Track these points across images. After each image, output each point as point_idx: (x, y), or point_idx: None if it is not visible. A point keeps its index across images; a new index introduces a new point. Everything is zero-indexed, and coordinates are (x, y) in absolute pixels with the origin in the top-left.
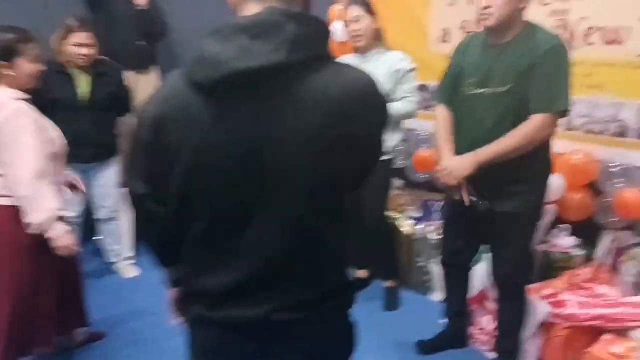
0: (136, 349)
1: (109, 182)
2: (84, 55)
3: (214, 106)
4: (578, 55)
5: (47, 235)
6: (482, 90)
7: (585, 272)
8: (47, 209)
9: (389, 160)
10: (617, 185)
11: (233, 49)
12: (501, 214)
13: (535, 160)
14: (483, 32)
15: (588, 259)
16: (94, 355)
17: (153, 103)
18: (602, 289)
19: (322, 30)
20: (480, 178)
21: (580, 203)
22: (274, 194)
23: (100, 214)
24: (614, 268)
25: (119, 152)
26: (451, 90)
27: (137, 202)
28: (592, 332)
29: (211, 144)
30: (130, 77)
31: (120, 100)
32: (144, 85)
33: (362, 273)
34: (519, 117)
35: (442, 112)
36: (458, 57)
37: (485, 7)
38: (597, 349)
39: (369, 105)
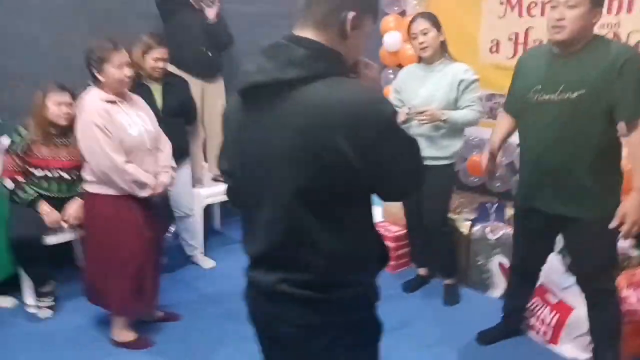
0: (209, 329)
1: (183, 183)
2: (160, 68)
3: (243, 109)
4: None
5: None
6: (549, 96)
7: None
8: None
9: (451, 164)
10: None
11: (255, 67)
12: (582, 220)
13: (613, 167)
14: (548, 43)
15: None
16: (172, 331)
17: (227, 104)
18: None
19: (324, 53)
20: (557, 185)
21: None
22: (272, 187)
23: (177, 212)
24: None
25: (189, 156)
26: (516, 100)
27: (225, 177)
28: None
29: (237, 138)
30: (198, 85)
31: (187, 110)
32: (211, 92)
33: (422, 271)
34: (589, 123)
35: (502, 118)
36: (522, 68)
37: (559, 20)
38: None
39: (352, 117)
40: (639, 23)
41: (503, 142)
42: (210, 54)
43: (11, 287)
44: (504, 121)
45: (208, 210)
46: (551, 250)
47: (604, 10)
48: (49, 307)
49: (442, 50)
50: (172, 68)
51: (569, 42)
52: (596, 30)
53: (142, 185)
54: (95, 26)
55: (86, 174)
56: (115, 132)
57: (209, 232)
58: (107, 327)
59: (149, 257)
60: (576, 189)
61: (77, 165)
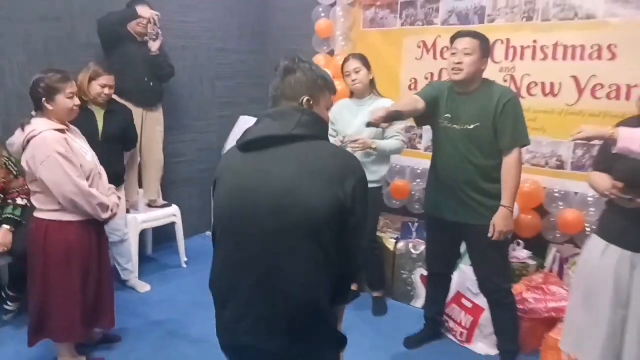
0: (151, 349)
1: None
2: (106, 94)
3: (242, 156)
4: (524, 103)
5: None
6: (454, 126)
7: (538, 277)
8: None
9: (379, 187)
10: (559, 207)
11: (259, 125)
12: (480, 227)
13: (498, 184)
14: (448, 82)
15: (540, 266)
16: (116, 352)
17: (224, 155)
18: (553, 288)
19: (319, 121)
20: (457, 198)
21: (531, 222)
22: (270, 223)
23: (112, 237)
24: (560, 273)
25: (124, 182)
26: (428, 94)
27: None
28: (549, 322)
29: (232, 183)
30: (139, 112)
31: (128, 136)
32: (151, 119)
33: (353, 286)
34: (482, 148)
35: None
36: (435, 87)
37: (457, 63)
38: (553, 333)
39: (336, 176)
40: (530, 68)
41: (405, 111)
42: (151, 84)
43: None
44: (413, 98)
45: (141, 235)
46: (458, 255)
47: (502, 56)
48: None
49: (371, 87)
50: (114, 96)
51: (465, 81)
52: (496, 72)
53: (105, 207)
54: (35, 57)
55: (39, 202)
56: (75, 158)
57: (142, 257)
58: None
59: (106, 277)
60: (471, 200)
61: (1, 189)
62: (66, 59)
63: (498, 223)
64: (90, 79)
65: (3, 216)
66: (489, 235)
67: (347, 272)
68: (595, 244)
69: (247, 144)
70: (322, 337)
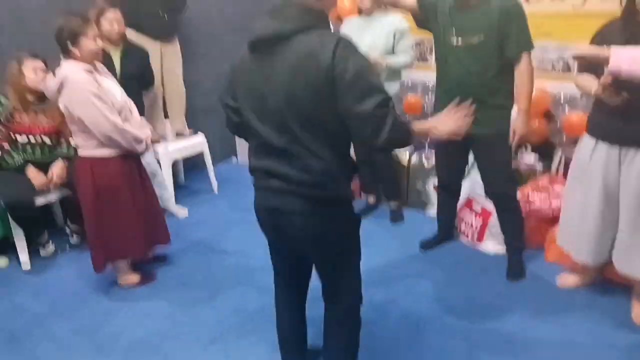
0: (195, 264)
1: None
2: (118, 31)
3: (251, 57)
4: (530, 9)
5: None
6: (458, 42)
7: (544, 179)
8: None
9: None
10: (565, 111)
11: (260, 24)
12: (486, 136)
13: (506, 93)
14: None
15: (546, 169)
16: (163, 269)
17: (240, 56)
18: (557, 188)
19: (308, 10)
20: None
21: (538, 128)
22: (271, 108)
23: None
24: (566, 174)
25: (153, 117)
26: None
27: (224, 108)
28: (552, 220)
29: (246, 81)
30: (157, 47)
31: (145, 77)
32: (169, 53)
33: (371, 199)
34: (488, 61)
35: None
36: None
37: None
38: (556, 229)
39: (319, 64)
40: None
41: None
42: (166, 17)
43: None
44: None
45: (173, 166)
46: (466, 164)
47: None
48: (51, 252)
49: (379, 3)
50: (130, 32)
51: None
52: None
53: (139, 140)
54: None
55: (82, 141)
56: (106, 97)
57: (176, 186)
58: (105, 277)
59: (155, 200)
60: (478, 110)
61: (56, 130)
62: None
63: (519, 127)
64: (98, 16)
65: (58, 154)
66: (507, 142)
67: (364, 139)
68: (586, 143)
69: (251, 45)
70: (339, 207)
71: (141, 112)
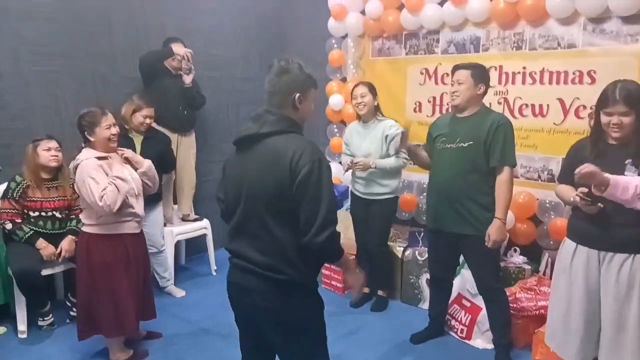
0: (188, 343)
1: (157, 223)
2: (147, 124)
3: (235, 154)
4: (517, 124)
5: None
6: (451, 145)
7: (532, 280)
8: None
9: (394, 197)
10: (551, 217)
11: (244, 126)
12: (472, 237)
13: (489, 197)
14: (452, 112)
15: (535, 271)
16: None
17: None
18: (544, 289)
19: (283, 118)
20: (452, 210)
21: (526, 231)
22: (246, 196)
23: (151, 249)
24: (552, 276)
25: (162, 200)
26: (430, 148)
27: (217, 201)
28: (539, 319)
29: (230, 174)
30: (175, 138)
31: (165, 160)
32: (185, 143)
33: (366, 290)
34: (474, 164)
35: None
36: (433, 127)
37: (454, 92)
38: (543, 328)
39: (287, 158)
40: (521, 92)
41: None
42: (186, 113)
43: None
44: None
45: (175, 247)
46: (457, 263)
47: (496, 81)
48: (50, 324)
49: (376, 111)
50: (153, 124)
51: (461, 106)
52: (491, 96)
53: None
54: (83, 87)
55: (84, 218)
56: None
57: (176, 267)
58: (99, 352)
59: (148, 279)
60: (466, 212)
61: (67, 205)
62: (110, 90)
63: (493, 233)
64: (134, 111)
65: (68, 228)
66: (485, 244)
67: (307, 238)
68: (567, 246)
69: (235, 143)
70: (301, 292)
71: (159, 195)
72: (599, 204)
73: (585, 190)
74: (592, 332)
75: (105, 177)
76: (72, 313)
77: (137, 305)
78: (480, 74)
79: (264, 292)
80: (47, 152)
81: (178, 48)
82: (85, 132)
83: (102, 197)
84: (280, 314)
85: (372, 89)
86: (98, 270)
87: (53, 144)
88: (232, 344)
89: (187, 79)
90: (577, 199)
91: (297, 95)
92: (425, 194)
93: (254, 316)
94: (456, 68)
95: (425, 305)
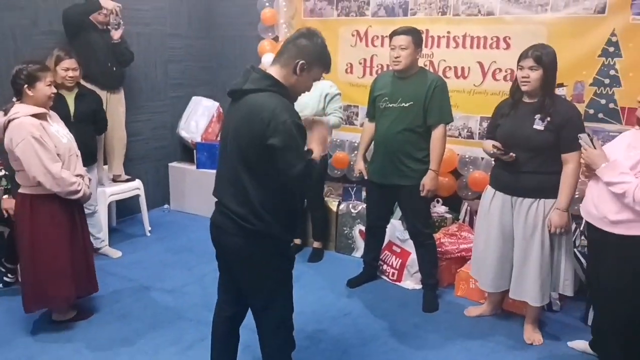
0: (134, 300)
1: (92, 184)
2: (70, 77)
3: (229, 105)
4: None
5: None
6: (393, 104)
7: (453, 227)
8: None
9: (324, 155)
10: (470, 170)
11: (236, 80)
12: (408, 187)
13: (425, 152)
14: (391, 71)
15: (455, 219)
16: (101, 303)
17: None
18: (464, 234)
19: (266, 77)
20: (392, 165)
21: (448, 184)
22: (229, 147)
23: (86, 209)
24: (471, 223)
25: (97, 161)
26: (373, 109)
27: None
28: (460, 260)
29: (225, 119)
30: (103, 95)
31: (98, 119)
32: (114, 101)
33: (297, 241)
34: (413, 122)
35: (367, 126)
36: (374, 87)
37: (396, 57)
38: (464, 268)
39: (260, 115)
40: (445, 55)
41: (369, 145)
42: (114, 69)
43: None
44: (368, 128)
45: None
46: (392, 212)
47: (423, 44)
48: None
49: None
50: (81, 82)
51: (403, 70)
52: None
53: (73, 192)
54: (2, 42)
55: (22, 180)
56: (50, 142)
57: (107, 228)
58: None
59: (89, 244)
60: (403, 166)
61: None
62: (30, 45)
63: (427, 183)
64: (55, 64)
65: None
66: (420, 193)
67: (284, 186)
68: (487, 192)
69: (228, 94)
70: (268, 242)
71: (94, 154)
72: (512, 153)
73: (499, 144)
74: (505, 267)
75: (51, 143)
76: (6, 279)
77: (79, 274)
78: (419, 39)
79: (236, 235)
80: None
81: (106, 2)
82: (25, 87)
83: (74, 182)
84: (248, 256)
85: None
86: (43, 231)
87: None
88: (179, 298)
89: (116, 35)
90: (494, 149)
91: (302, 62)
92: (355, 152)
93: (227, 253)
94: (396, 33)
95: (358, 254)
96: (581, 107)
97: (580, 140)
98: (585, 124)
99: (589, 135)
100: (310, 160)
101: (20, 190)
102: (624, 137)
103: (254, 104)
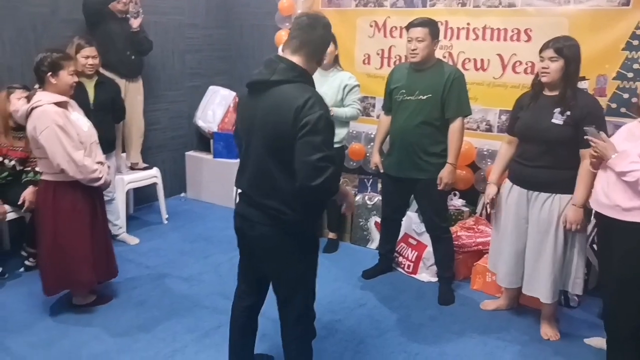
0: (152, 287)
1: (111, 171)
2: (91, 65)
3: (248, 95)
4: None
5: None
6: (410, 97)
7: (470, 220)
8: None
9: (341, 147)
10: (488, 163)
11: (257, 70)
12: (425, 181)
13: (443, 145)
14: (408, 64)
15: (472, 212)
16: (120, 288)
17: (240, 94)
18: (481, 227)
19: (293, 67)
20: (409, 158)
21: (465, 177)
22: (253, 138)
23: (104, 196)
24: (488, 216)
25: (115, 148)
26: (390, 102)
27: (234, 136)
28: (477, 254)
29: (243, 111)
30: (122, 84)
31: (117, 108)
32: (132, 90)
33: (331, 235)
34: (431, 115)
35: (383, 119)
36: (391, 79)
37: (413, 50)
38: (481, 261)
39: (292, 107)
40: (464, 47)
41: (385, 138)
42: (133, 58)
43: None
44: (384, 121)
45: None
46: (408, 204)
47: (442, 36)
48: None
49: (335, 61)
50: (100, 70)
51: (420, 63)
52: (437, 50)
53: (96, 179)
54: (22, 31)
55: (46, 167)
56: (72, 130)
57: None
58: (60, 296)
59: (108, 231)
60: (420, 159)
61: (26, 157)
62: (50, 34)
63: (445, 176)
64: (75, 52)
65: (25, 180)
66: (438, 187)
67: (299, 182)
68: (505, 186)
69: (248, 86)
70: (294, 230)
71: (113, 141)
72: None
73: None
74: (519, 263)
75: (73, 131)
76: (27, 262)
77: (100, 260)
78: (436, 30)
79: (265, 225)
80: (18, 102)
81: None
82: (49, 74)
83: (96, 170)
84: (276, 246)
85: (334, 40)
86: (65, 218)
87: (26, 94)
88: (195, 286)
89: (135, 23)
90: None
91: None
92: (372, 144)
93: (254, 243)
94: (413, 25)
95: (373, 245)
96: (603, 101)
97: (587, 135)
98: (607, 118)
99: (595, 128)
100: (334, 166)
101: (43, 177)
102: (627, 127)
103: (284, 96)
